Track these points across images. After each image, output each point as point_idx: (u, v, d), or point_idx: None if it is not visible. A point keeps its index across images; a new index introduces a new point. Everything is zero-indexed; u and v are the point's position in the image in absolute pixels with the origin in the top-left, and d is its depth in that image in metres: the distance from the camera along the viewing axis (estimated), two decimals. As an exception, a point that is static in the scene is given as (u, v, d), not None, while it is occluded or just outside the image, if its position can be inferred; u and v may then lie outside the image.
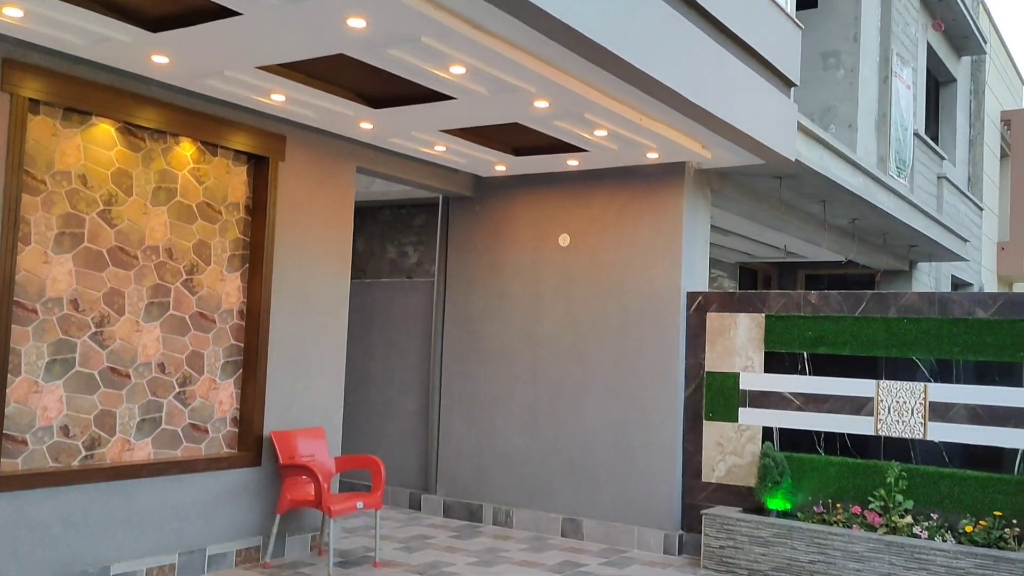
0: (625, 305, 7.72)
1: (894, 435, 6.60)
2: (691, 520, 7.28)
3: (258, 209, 6.66)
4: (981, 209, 16.51)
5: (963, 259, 13.72)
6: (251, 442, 6.50)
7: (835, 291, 7.07)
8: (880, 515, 6.43)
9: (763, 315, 7.21)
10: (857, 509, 6.56)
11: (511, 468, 8.18)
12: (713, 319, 7.42)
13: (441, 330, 8.73)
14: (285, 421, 6.74)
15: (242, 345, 6.60)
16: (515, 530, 8.06)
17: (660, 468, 7.41)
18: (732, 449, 7.22)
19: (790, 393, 7.02)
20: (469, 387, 8.48)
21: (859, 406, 6.75)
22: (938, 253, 13.10)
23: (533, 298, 8.22)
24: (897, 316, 6.67)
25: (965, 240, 13.60)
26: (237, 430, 6.55)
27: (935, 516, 6.37)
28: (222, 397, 6.46)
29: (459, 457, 8.47)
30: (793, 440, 7.00)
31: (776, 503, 6.83)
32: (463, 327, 8.58)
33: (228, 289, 6.54)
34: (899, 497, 6.34)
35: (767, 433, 7.10)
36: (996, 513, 6.17)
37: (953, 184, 14.06)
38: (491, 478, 8.28)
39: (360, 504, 6.46)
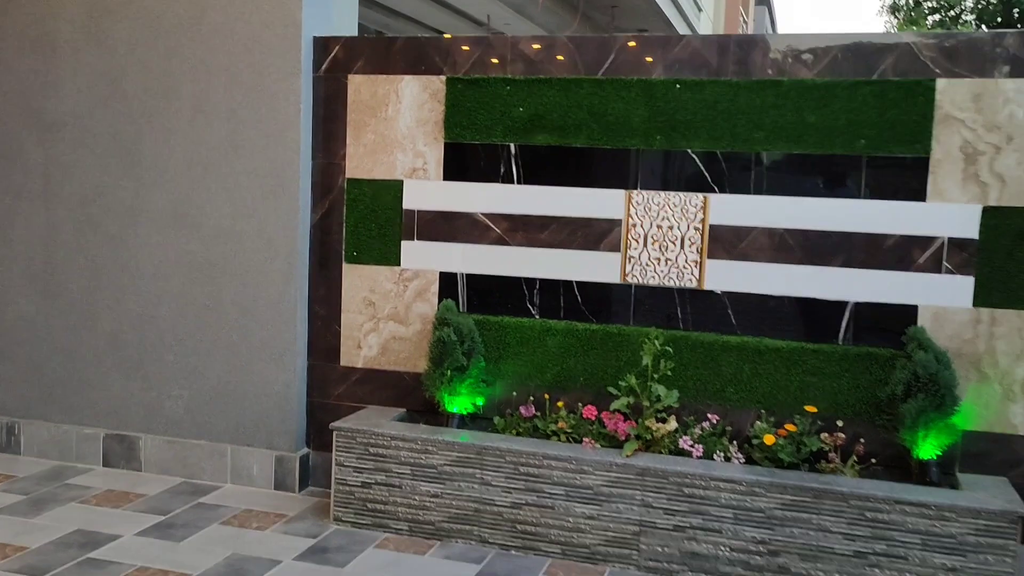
0: (205, 59, 4.27)
1: (652, 283, 3.91)
2: (321, 432, 4.29)
3: None
4: None
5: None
6: None
7: (566, 36, 4.08)
8: (627, 418, 3.80)
9: (443, 79, 4.11)
10: (592, 411, 3.87)
11: (16, 351, 4.67)
12: (359, 86, 4.21)
13: None
14: None
15: None
16: (24, 457, 4.65)
17: (267, 344, 4.29)
18: (390, 311, 4.24)
19: (486, 215, 4.09)
20: (-64, 211, 4.72)
21: (598, 236, 3.97)
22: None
23: (39, 45, 4.51)
24: (666, 78, 3.85)
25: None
26: None
27: (714, 419, 3.85)
28: None
29: (-76, 335, 4.79)
30: (489, 295, 4.13)
31: (460, 402, 4.00)
32: (-82, 102, 4.71)
33: None
34: (659, 389, 3.72)
35: (448, 284, 4.16)
36: (809, 409, 3.74)
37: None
38: (-18, 370, 4.74)
39: None
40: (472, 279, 4.13)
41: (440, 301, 4.15)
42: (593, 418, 3.83)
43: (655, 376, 3.74)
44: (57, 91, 4.49)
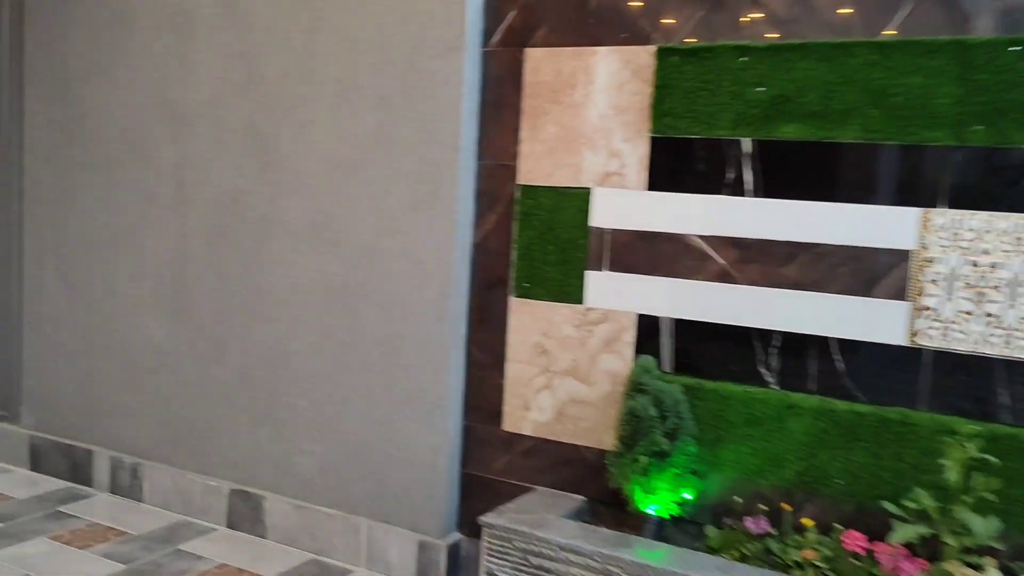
0: (352, 33, 3.40)
1: (961, 349, 2.58)
2: (477, 515, 3.29)
3: None
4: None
5: None
6: None
7: (832, -20, 2.83)
8: (915, 555, 2.50)
9: (652, 50, 2.98)
10: (857, 538, 2.59)
11: (144, 382, 4.03)
12: (539, 63, 3.17)
13: (20, 102, 4.31)
14: None
15: None
16: (145, 505, 4.00)
17: (413, 396, 3.34)
18: (569, 365, 3.16)
19: (705, 238, 2.92)
20: (68, 215, 4.18)
21: (872, 274, 2.69)
22: None
23: (177, 30, 3.83)
24: (995, 37, 2.51)
25: None
26: None
27: (1061, 568, 2.46)
28: None
29: (56, 356, 4.27)
30: (706, 351, 2.95)
31: (658, 500, 2.85)
32: (57, 95, 4.17)
33: None
34: (970, 517, 2.39)
35: (647, 332, 3.02)
36: None
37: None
38: (107, 400, 4.14)
39: None
40: (682, 327, 2.97)
41: (636, 356, 3.02)
42: (860, 550, 2.55)
43: (964, 496, 2.41)
44: (194, 77, 3.78)
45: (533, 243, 3.19)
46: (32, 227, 4.28)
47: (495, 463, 3.31)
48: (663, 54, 2.94)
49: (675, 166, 2.96)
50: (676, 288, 2.96)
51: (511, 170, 3.22)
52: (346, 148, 3.43)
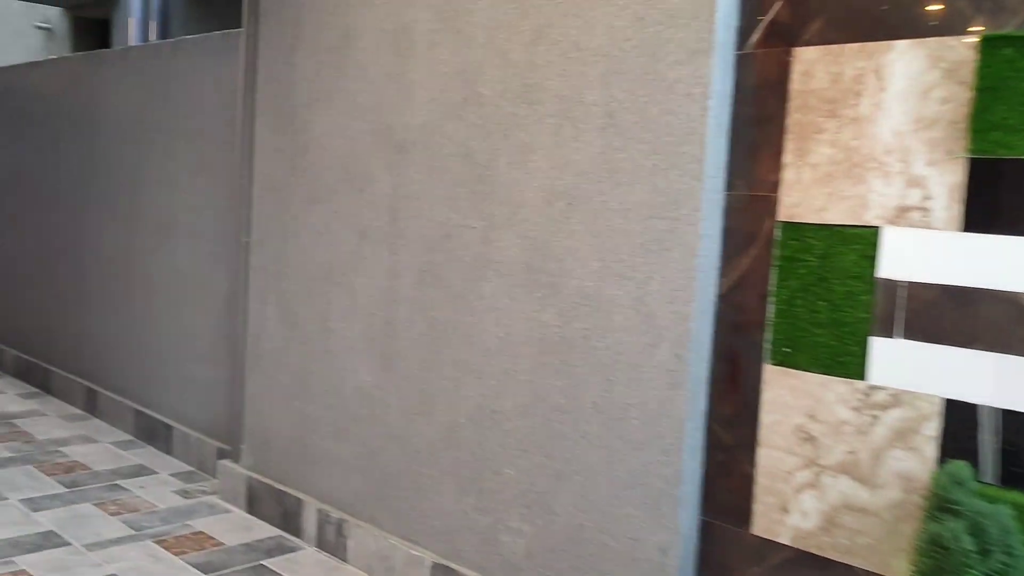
0: (579, 40, 2.86)
1: None
2: (712, 639, 2.60)
3: None
4: None
5: None
6: None
7: None
8: None
9: (971, 42, 2.18)
10: None
11: (352, 430, 3.72)
12: (811, 66, 2.45)
13: (250, 132, 4.20)
14: None
15: None
16: (349, 567, 3.67)
17: (639, 478, 2.71)
18: (844, 457, 2.39)
19: (1052, 299, 2.07)
20: (289, 248, 3.98)
21: None
22: None
23: (395, 49, 3.49)
24: None
25: None
26: None
27: None
28: None
29: (274, 395, 4.08)
30: (1050, 456, 2.09)
31: (971, 667, 2.02)
32: (283, 124, 4.01)
33: None
34: None
35: (959, 426, 2.20)
36: None
37: None
38: (318, 446, 3.87)
39: None
40: (1013, 422, 2.12)
41: (942, 458, 2.21)
42: None
43: None
44: (410, 100, 3.43)
45: (797, 297, 2.47)
46: (257, 261, 4.14)
47: (741, 575, 2.61)
48: (990, 46, 2.14)
49: (1004, 199, 2.13)
50: (1005, 367, 2.12)
51: (770, 203, 2.53)
52: (567, 176, 2.89)
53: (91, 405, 5.62)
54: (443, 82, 3.30)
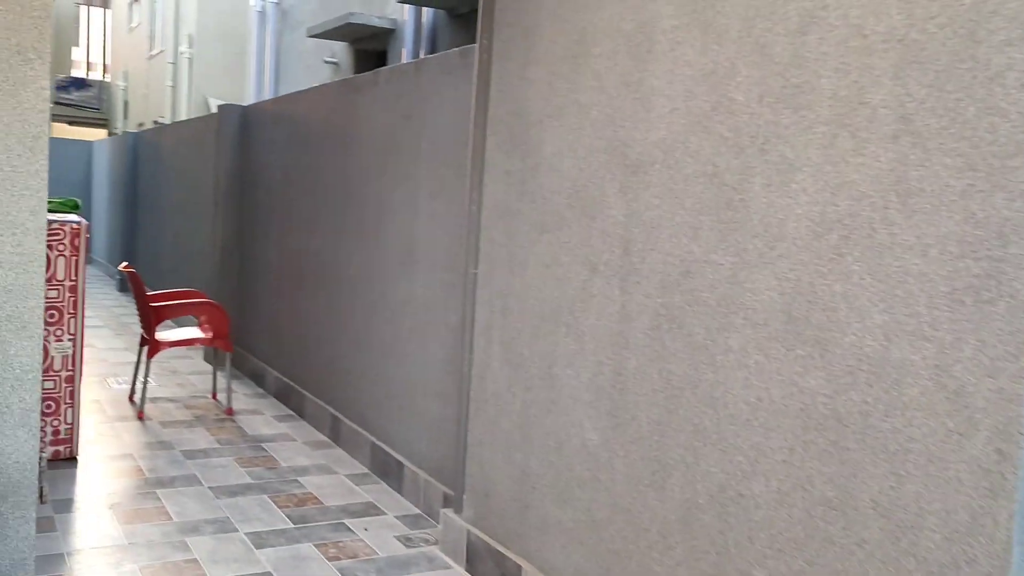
0: (859, 27, 2.19)
1: None
2: None
3: None
4: None
5: None
6: None
7: None
8: None
9: None
10: None
11: (574, 496, 3.21)
12: None
13: (481, 153, 3.85)
14: None
15: None
16: (567, 655, 3.16)
17: (940, 622, 1.97)
18: None
19: None
20: (515, 282, 3.58)
21: None
22: None
23: (633, 53, 2.97)
24: None
25: None
26: None
27: None
28: None
29: (496, 442, 3.68)
30: None
31: None
32: (514, 144, 3.62)
33: None
34: None
35: None
36: None
37: None
38: (539, 507, 3.40)
39: None
40: None
41: None
42: None
43: None
44: (647, 112, 2.89)
45: None
46: (484, 294, 3.79)
47: None
48: None
49: None
50: None
51: None
52: (842, 200, 2.21)
53: (335, 433, 5.59)
54: (687, 87, 2.73)
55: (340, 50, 13.24)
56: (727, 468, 2.55)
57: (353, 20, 11.28)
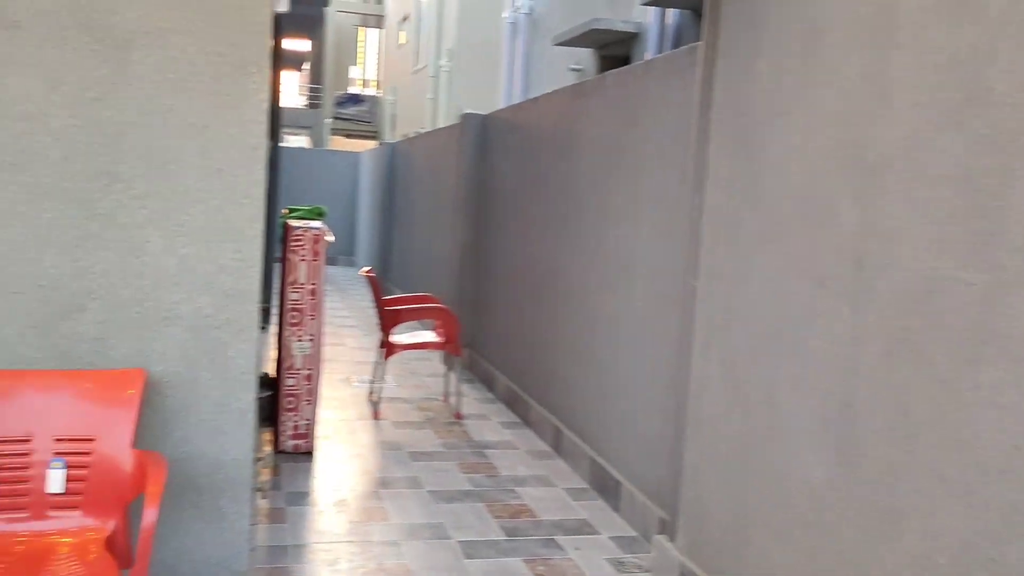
0: None
1: None
2: None
3: None
4: None
5: None
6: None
7: None
8: None
9: None
10: None
11: (793, 536, 2.87)
12: None
13: (703, 157, 3.58)
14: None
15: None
16: None
17: None
18: None
19: None
20: (736, 297, 3.28)
21: None
22: None
23: (872, 40, 2.60)
24: None
25: None
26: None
27: None
28: None
29: (711, 468, 3.40)
30: None
31: None
32: (737, 146, 3.33)
33: None
34: None
35: None
36: None
37: None
38: (755, 544, 3.08)
39: None
40: None
41: None
42: None
43: None
44: (887, 106, 2.52)
45: None
46: (703, 308, 3.52)
47: None
48: None
49: None
50: None
51: None
52: None
53: (557, 443, 5.51)
54: (934, 77, 2.34)
55: (585, 57, 13.27)
56: (974, 526, 2.14)
57: (597, 26, 11.24)
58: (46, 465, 2.74)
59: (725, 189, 3.40)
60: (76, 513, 2.75)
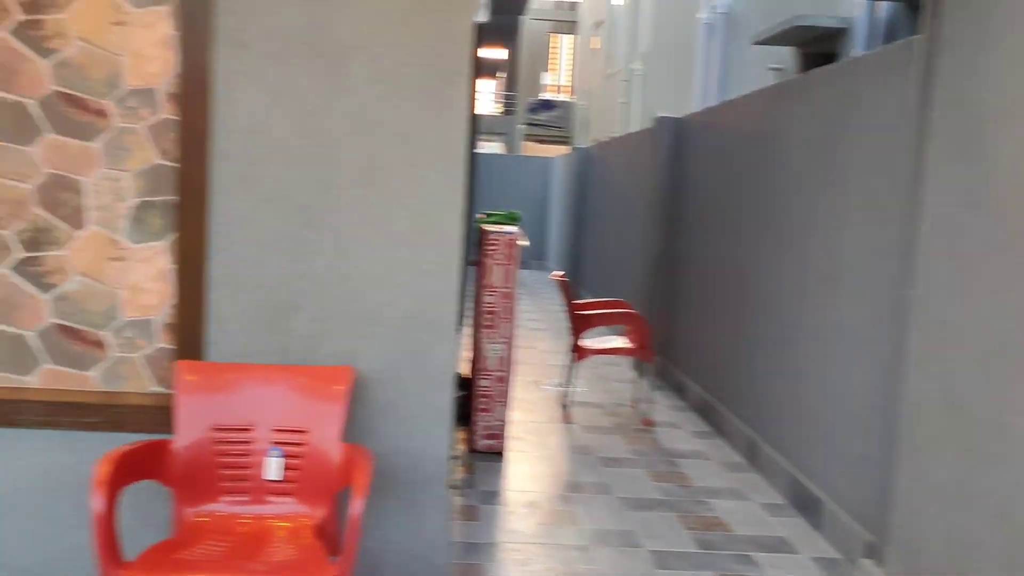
0: None
1: None
2: None
3: None
4: None
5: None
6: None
7: None
8: None
9: None
10: None
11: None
12: None
13: (921, 159, 3.33)
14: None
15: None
16: None
17: None
18: None
19: None
20: (959, 310, 3.03)
21: None
22: None
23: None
24: None
25: None
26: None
27: None
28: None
29: (928, 493, 3.16)
30: None
31: None
32: (960, 147, 3.07)
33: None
34: None
35: None
36: None
37: None
38: (981, 570, 2.83)
39: None
40: None
41: None
42: None
43: None
44: None
45: None
46: (920, 321, 3.29)
47: None
48: None
49: None
50: None
51: None
52: None
53: (752, 456, 5.32)
54: None
55: (786, 56, 12.78)
56: None
57: (799, 22, 10.79)
58: (265, 453, 2.93)
59: (947, 192, 3.16)
60: (290, 500, 2.93)
